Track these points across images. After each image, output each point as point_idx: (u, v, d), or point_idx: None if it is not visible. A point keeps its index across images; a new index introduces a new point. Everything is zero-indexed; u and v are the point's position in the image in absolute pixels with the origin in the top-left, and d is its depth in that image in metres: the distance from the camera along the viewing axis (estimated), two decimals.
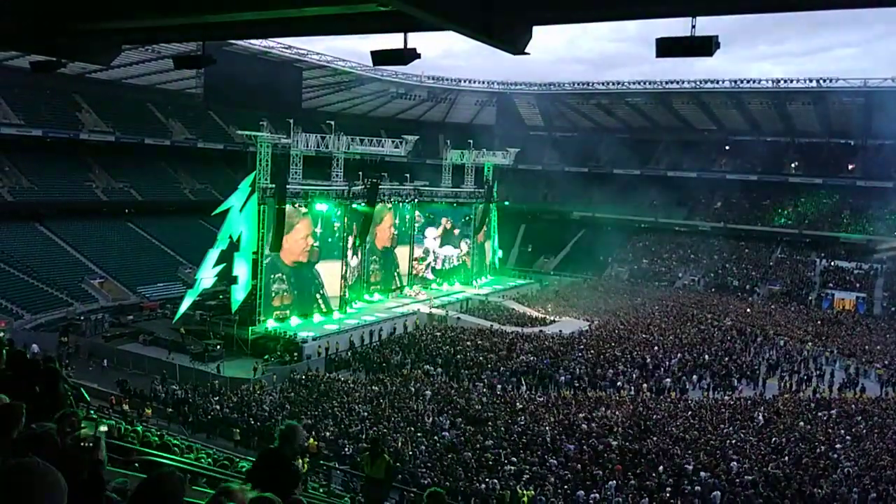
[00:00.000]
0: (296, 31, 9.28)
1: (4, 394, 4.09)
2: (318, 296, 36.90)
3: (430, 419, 21.61)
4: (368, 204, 37.95)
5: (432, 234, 46.76)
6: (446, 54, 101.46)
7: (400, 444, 18.72)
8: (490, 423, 21.14)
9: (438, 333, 34.74)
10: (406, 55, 7.40)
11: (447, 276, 47.74)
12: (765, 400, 26.37)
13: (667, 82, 57.16)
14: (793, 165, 59.73)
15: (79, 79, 44.88)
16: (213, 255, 33.03)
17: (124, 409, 22.02)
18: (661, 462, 17.98)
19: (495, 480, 16.26)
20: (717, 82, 55.56)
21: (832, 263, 52.13)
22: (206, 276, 33.33)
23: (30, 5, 7.42)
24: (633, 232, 60.71)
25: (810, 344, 35.92)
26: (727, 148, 63.19)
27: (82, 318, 35.31)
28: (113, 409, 21.41)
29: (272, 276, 34.09)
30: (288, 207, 33.49)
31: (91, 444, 3.38)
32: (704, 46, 6.32)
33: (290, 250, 35.04)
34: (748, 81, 54.64)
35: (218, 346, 31.00)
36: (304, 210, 35.46)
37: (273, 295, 34.29)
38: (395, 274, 44.23)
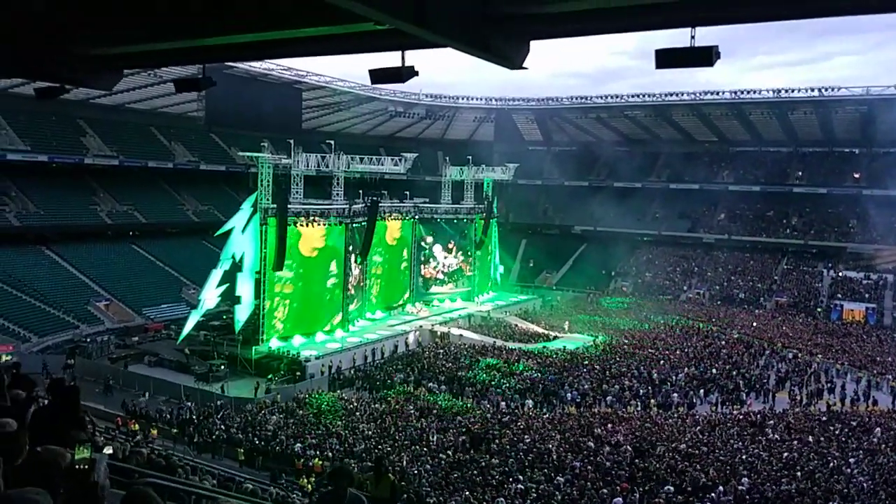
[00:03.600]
0: (293, 52, 9.26)
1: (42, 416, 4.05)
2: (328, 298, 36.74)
3: (435, 437, 21.41)
4: (369, 222, 38.04)
5: (439, 250, 47.29)
6: (443, 70, 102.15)
7: (405, 462, 18.52)
8: (495, 440, 20.93)
9: (441, 351, 34.56)
10: (404, 73, 7.38)
11: (452, 277, 48.18)
12: (775, 414, 26.05)
13: (666, 94, 57.06)
14: (797, 175, 59.55)
15: (83, 104, 45.29)
16: (216, 275, 33.10)
17: (129, 430, 21.97)
18: (670, 478, 17.72)
19: (501, 499, 16.03)
20: (718, 93, 55.42)
21: (840, 274, 51.74)
22: (210, 296, 33.37)
23: (28, 33, 7.46)
24: (635, 245, 60.44)
25: (820, 356, 35.56)
26: (729, 160, 63.07)
27: (88, 340, 35.36)
28: (119, 430, 21.39)
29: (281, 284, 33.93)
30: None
31: (87, 467, 3.31)
32: (704, 56, 6.26)
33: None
34: (748, 92, 54.40)
35: (222, 367, 30.99)
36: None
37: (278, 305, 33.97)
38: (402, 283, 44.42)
